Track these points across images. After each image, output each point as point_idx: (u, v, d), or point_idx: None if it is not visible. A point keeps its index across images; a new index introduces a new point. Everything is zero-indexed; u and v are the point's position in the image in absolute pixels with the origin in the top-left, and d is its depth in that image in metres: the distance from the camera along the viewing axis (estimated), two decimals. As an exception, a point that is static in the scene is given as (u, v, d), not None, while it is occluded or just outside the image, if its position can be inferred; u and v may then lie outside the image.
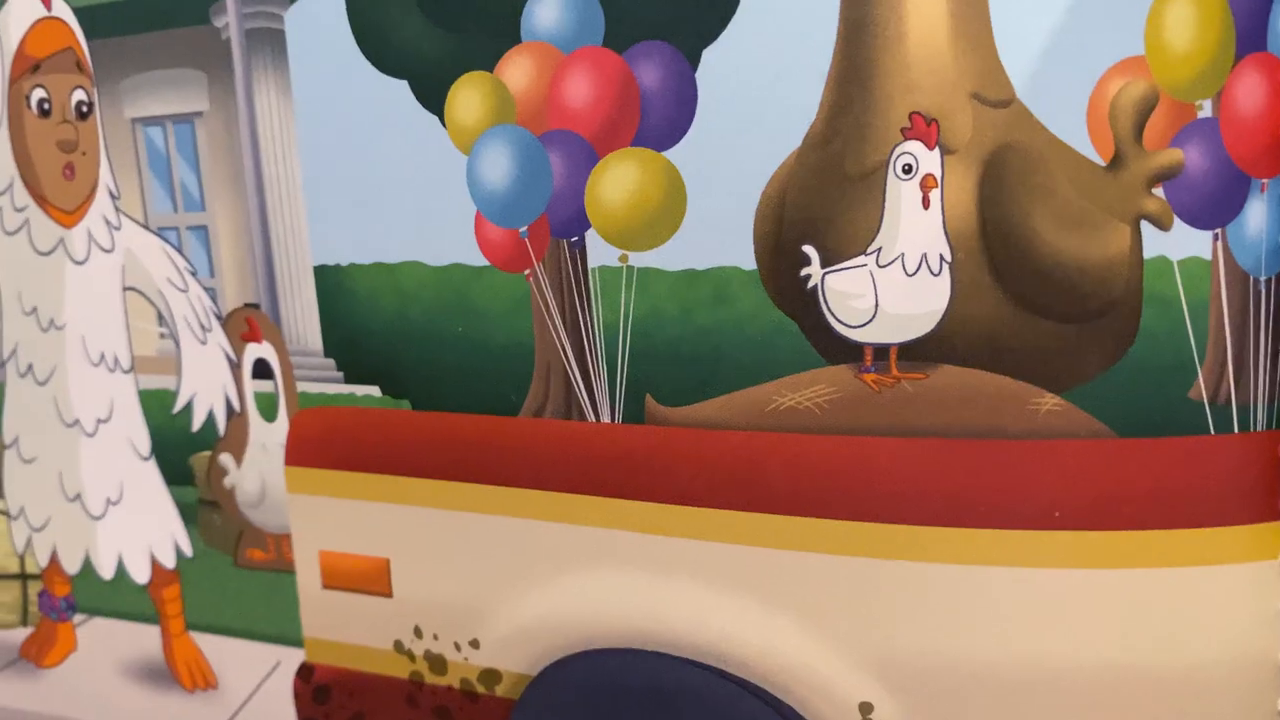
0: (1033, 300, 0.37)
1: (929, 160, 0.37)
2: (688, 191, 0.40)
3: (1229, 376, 0.38)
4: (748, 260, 0.40)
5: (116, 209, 0.53)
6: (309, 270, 0.48)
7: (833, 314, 0.39)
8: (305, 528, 0.51)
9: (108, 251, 0.54)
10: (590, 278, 0.42)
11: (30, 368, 0.57)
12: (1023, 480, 0.38)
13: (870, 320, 0.38)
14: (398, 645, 0.50)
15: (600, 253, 0.42)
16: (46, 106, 0.53)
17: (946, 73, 0.37)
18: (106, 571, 0.57)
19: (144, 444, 0.55)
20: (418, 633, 0.50)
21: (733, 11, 0.38)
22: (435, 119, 0.44)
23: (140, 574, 0.56)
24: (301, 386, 0.50)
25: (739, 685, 0.42)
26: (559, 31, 0.41)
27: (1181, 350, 0.37)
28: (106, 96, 0.51)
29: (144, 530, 0.56)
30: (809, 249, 0.39)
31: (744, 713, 0.42)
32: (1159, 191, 0.37)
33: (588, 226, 0.42)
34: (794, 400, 0.40)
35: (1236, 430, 0.38)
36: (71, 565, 0.58)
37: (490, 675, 0.48)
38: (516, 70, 0.42)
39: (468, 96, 0.43)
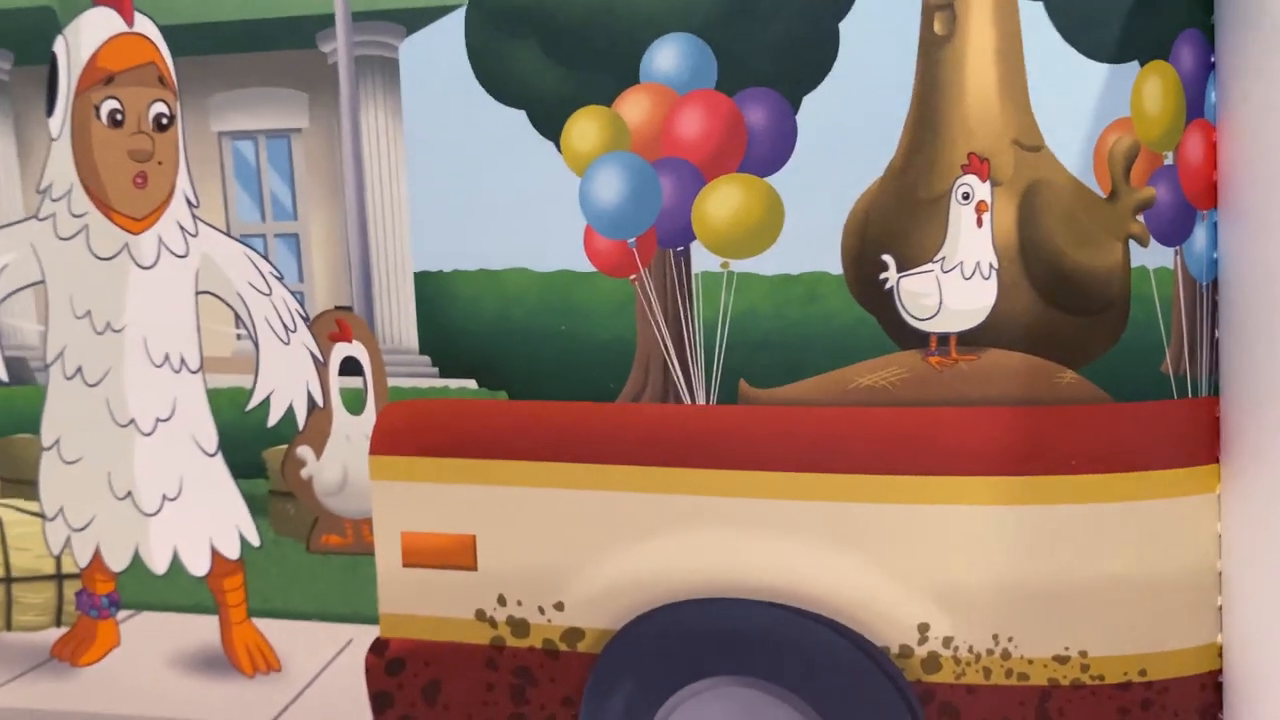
0: (1055, 298, 0.48)
1: (982, 190, 0.48)
2: (785, 210, 0.48)
3: (1185, 355, 0.50)
4: (835, 266, 0.48)
5: (194, 217, 0.55)
6: (408, 276, 0.53)
7: (905, 309, 0.48)
8: (388, 511, 0.55)
9: (181, 257, 0.56)
10: (693, 281, 0.50)
11: (79, 370, 0.58)
12: (1049, 437, 0.48)
13: (935, 314, 0.48)
14: (479, 614, 0.55)
15: (703, 260, 0.49)
16: (119, 117, 0.55)
17: (995, 123, 0.47)
18: (159, 566, 0.58)
19: (210, 440, 0.57)
20: (501, 600, 0.55)
21: (830, 67, 0.47)
22: (550, 144, 0.50)
23: (199, 566, 0.58)
24: (394, 382, 0.54)
25: (814, 619, 0.51)
26: (676, 75, 0.48)
27: (1155, 336, 0.49)
28: (193, 110, 0.54)
29: (205, 523, 0.57)
30: (888, 258, 0.48)
31: (819, 641, 0.51)
32: (1141, 218, 0.49)
33: (693, 238, 0.49)
34: (871, 380, 0.49)
35: (1190, 396, 0.50)
36: (117, 563, 0.59)
37: (573, 633, 0.54)
38: (633, 106, 0.49)
39: (585, 126, 0.50)
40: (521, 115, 0.50)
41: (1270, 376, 0.49)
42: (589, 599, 0.54)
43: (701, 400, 0.51)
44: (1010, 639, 0.50)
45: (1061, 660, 0.50)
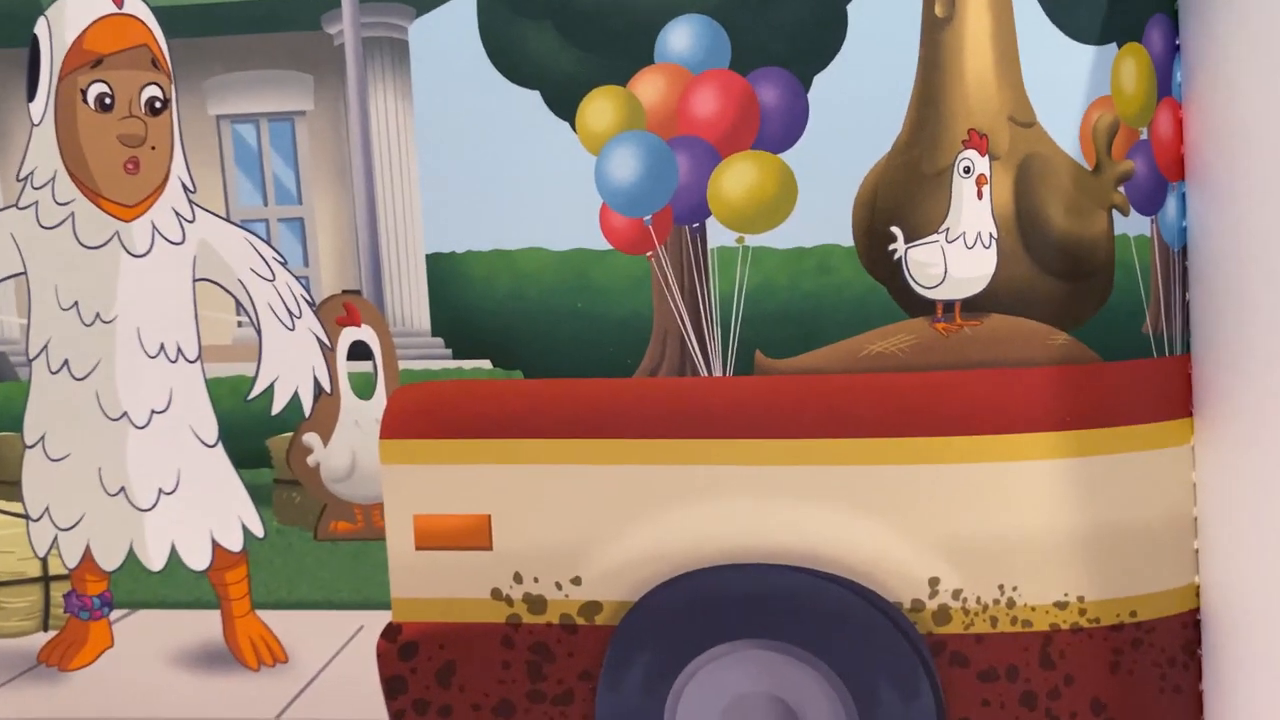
0: (1049, 265, 0.51)
1: (981, 164, 0.50)
2: (798, 185, 0.50)
3: (1163, 317, 0.54)
4: (847, 239, 0.51)
5: (190, 202, 0.54)
6: (419, 258, 0.53)
7: (913, 278, 0.51)
8: (399, 495, 0.55)
9: (176, 244, 0.55)
10: (709, 256, 0.51)
11: (65, 363, 0.56)
12: (1046, 396, 0.52)
13: (941, 282, 0.51)
14: (495, 592, 0.55)
15: (718, 235, 0.51)
16: (108, 101, 0.54)
17: (992, 101, 0.50)
18: (156, 563, 0.57)
19: (209, 431, 0.56)
20: (517, 578, 0.55)
21: (839, 47, 0.50)
22: (564, 124, 0.51)
23: (199, 561, 0.57)
24: (405, 364, 0.54)
25: (830, 579, 0.53)
26: (690, 55, 0.50)
27: (1137, 299, 0.53)
28: (189, 94, 0.53)
29: (205, 516, 0.56)
30: (895, 229, 0.51)
31: (835, 601, 0.53)
32: (1121, 189, 0.53)
33: (708, 214, 0.51)
34: (881, 346, 0.51)
35: (1167, 354, 0.54)
36: (110, 562, 0.57)
37: (591, 607, 0.55)
38: (648, 86, 0.50)
39: (600, 106, 0.51)
40: (535, 96, 0.51)
41: (1235, 335, 0.54)
42: (607, 572, 0.55)
43: (718, 372, 0.53)
44: (1014, 588, 0.53)
45: (1061, 606, 0.53)
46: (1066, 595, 0.53)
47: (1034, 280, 0.52)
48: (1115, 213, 0.53)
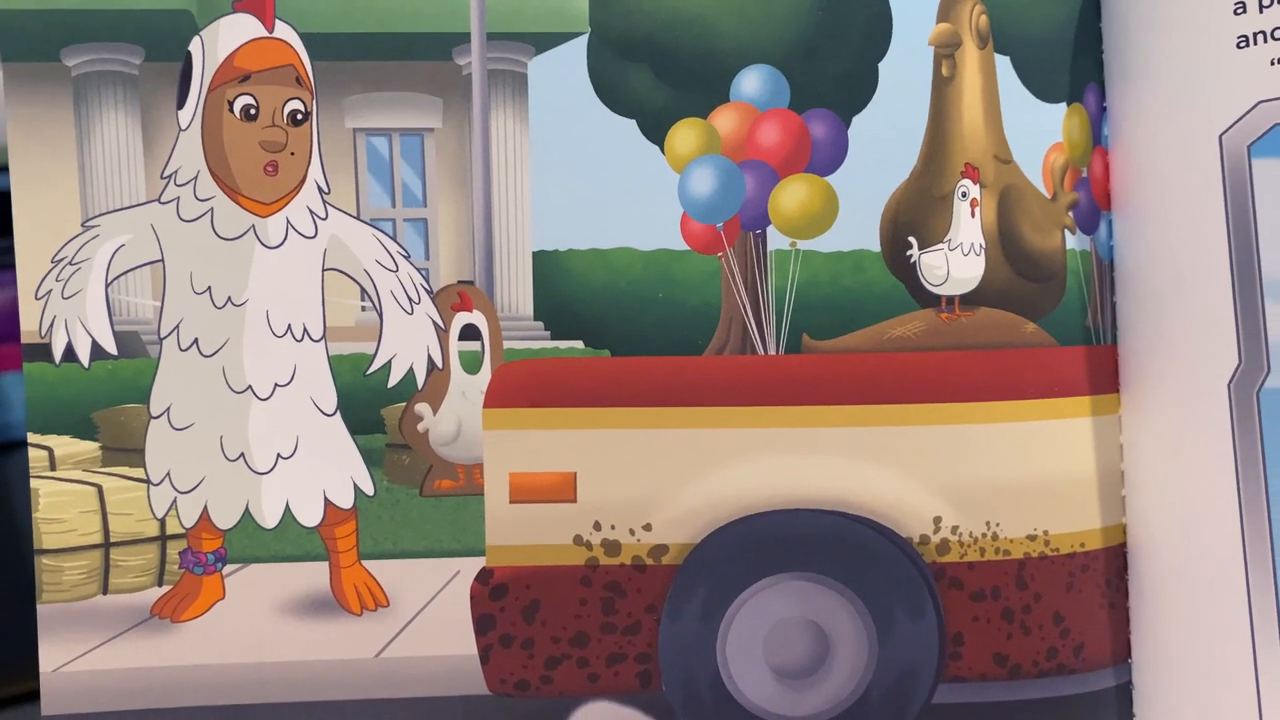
0: (1022, 270, 0.70)
1: (974, 190, 0.68)
2: (840, 201, 0.67)
3: (1100, 313, 0.72)
4: (875, 245, 0.67)
5: (324, 202, 0.65)
6: (527, 254, 0.66)
7: (924, 278, 0.68)
8: (498, 456, 0.68)
9: (309, 238, 0.65)
10: (768, 257, 0.66)
11: (195, 342, 0.66)
12: (1019, 371, 0.69)
13: (945, 282, 0.68)
14: (577, 539, 0.68)
15: (776, 240, 0.66)
16: (253, 111, 0.64)
17: (982, 142, 0.68)
18: (270, 521, 0.67)
19: (329, 402, 0.66)
20: (596, 526, 0.68)
21: (872, 96, 0.67)
22: (655, 148, 0.65)
23: (311, 518, 0.67)
24: (509, 344, 0.67)
25: (856, 520, 0.68)
26: (758, 96, 0.65)
27: (1082, 299, 0.72)
28: (329, 109, 0.64)
29: (319, 478, 0.67)
30: (912, 239, 0.68)
31: (861, 537, 0.68)
32: (1071, 214, 0.71)
33: (769, 223, 0.66)
34: (900, 331, 0.68)
35: (1103, 343, 0.72)
36: (226, 521, 0.66)
37: (659, 549, 0.68)
38: (724, 119, 0.66)
39: (685, 134, 0.66)
40: (632, 124, 0.66)
41: (1149, 329, 0.73)
42: (674, 519, 0.69)
43: (772, 351, 0.68)
44: (998, 524, 0.70)
45: (1032, 538, 0.70)
46: (1035, 529, 0.71)
47: (1011, 282, 0.70)
48: (1067, 232, 0.72)
